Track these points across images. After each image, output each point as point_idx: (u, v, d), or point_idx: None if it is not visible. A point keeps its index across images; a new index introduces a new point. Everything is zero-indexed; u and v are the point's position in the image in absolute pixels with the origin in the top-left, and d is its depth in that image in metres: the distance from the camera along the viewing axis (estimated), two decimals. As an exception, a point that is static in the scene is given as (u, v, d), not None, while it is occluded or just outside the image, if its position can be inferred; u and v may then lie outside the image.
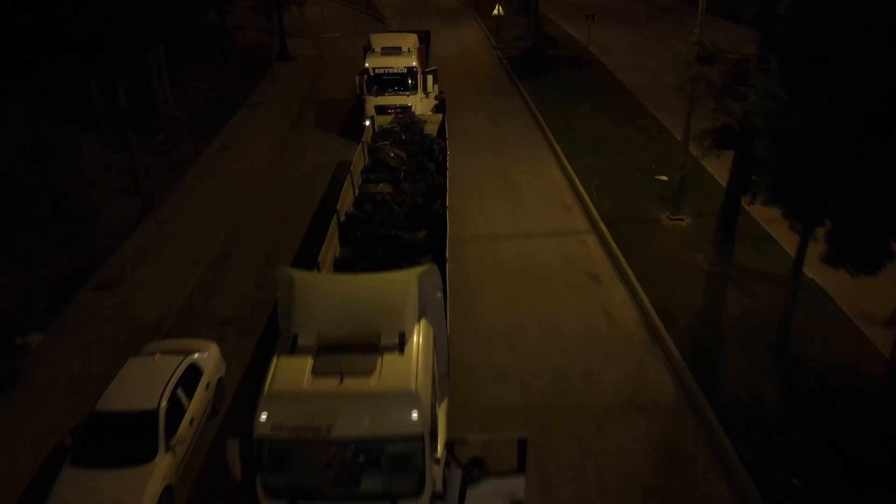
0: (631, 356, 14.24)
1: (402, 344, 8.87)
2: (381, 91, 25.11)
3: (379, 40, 26.19)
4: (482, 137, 26.66)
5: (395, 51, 25.49)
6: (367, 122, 24.55)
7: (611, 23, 43.80)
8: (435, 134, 22.54)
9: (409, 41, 26.10)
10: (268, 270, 17.57)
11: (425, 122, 22.72)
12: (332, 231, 15.17)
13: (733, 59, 14.62)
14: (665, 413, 12.86)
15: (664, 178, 22.15)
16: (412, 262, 14.46)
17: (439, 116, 22.75)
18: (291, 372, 8.62)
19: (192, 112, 29.15)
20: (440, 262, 14.52)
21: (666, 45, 39.25)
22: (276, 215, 20.59)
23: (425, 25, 45.69)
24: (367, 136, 21.36)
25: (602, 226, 19.10)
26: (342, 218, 16.10)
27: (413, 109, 25.04)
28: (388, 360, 8.70)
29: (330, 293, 9.37)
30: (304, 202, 21.28)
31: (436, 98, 25.85)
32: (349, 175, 17.79)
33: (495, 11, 41.96)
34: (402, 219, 15.76)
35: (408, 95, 25.08)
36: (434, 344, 9.70)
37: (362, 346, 8.83)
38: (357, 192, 18.26)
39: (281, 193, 22.08)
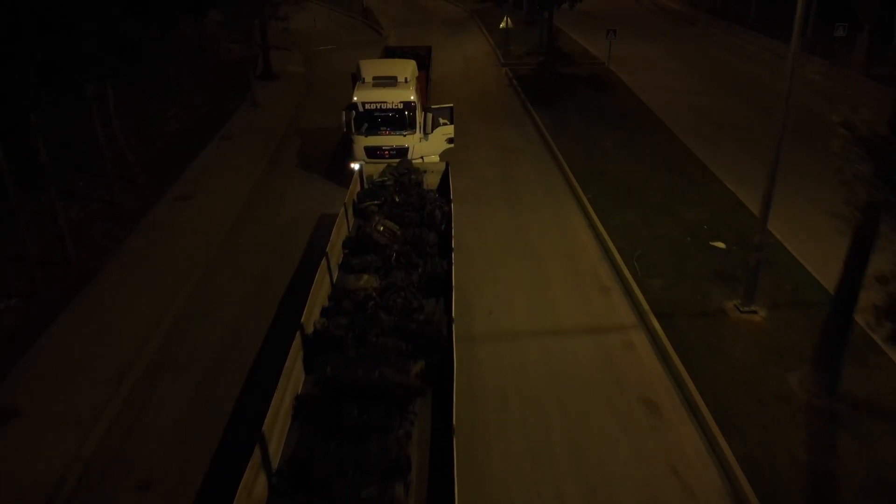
0: (721, 560, 9.71)
1: None
2: (373, 130, 20.55)
3: (370, 68, 21.60)
4: (492, 182, 22.09)
5: (390, 81, 20.90)
6: (356, 166, 20.15)
7: (629, 35, 39.20)
8: (436, 186, 18.10)
9: (407, 69, 21.52)
10: (212, 391, 13.27)
11: (425, 171, 18.21)
12: (294, 358, 10.65)
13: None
14: None
15: (721, 244, 17.58)
16: (403, 412, 10.03)
17: (442, 165, 18.21)
18: None
19: (153, 148, 24.60)
20: (443, 404, 10.09)
21: (690, 62, 34.81)
22: (234, 298, 16.03)
23: (426, 37, 41.17)
24: (352, 192, 16.85)
25: (653, 321, 14.52)
26: (309, 330, 11.59)
27: (411, 152, 20.53)
28: None
29: None
30: (273, 277, 16.75)
31: (448, 141, 21.25)
32: (325, 258, 13.26)
33: (503, 24, 37.34)
34: (392, 336, 11.22)
35: (404, 135, 20.52)
36: None
37: None
38: (335, 278, 13.80)
39: (244, 263, 17.52)
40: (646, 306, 15.00)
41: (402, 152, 20.55)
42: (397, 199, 16.11)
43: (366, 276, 12.94)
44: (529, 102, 29.62)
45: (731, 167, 22.30)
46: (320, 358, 10.78)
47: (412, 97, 20.43)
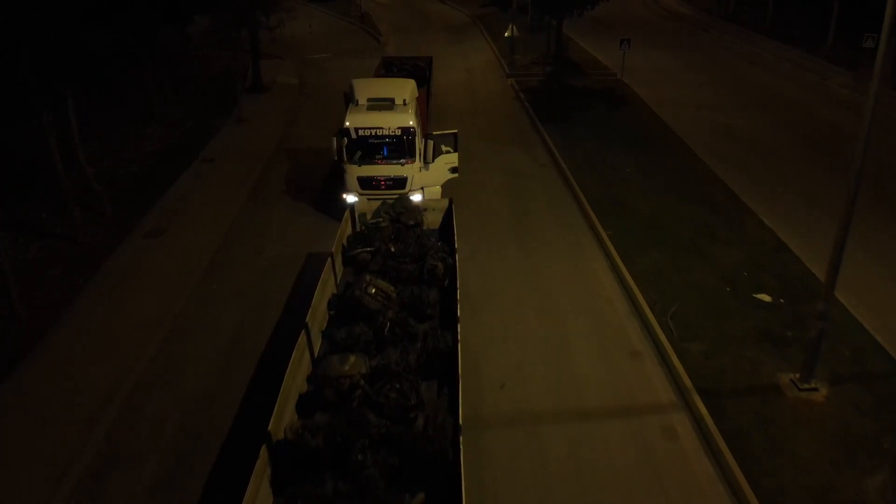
0: None
1: None
2: (367, 158, 18.15)
3: (365, 88, 19.17)
4: (500, 214, 19.73)
5: (386, 104, 18.50)
6: (349, 199, 17.97)
7: (641, 43, 36.52)
8: (438, 225, 15.80)
9: (405, 90, 19.10)
10: (168, 494, 10.45)
11: (425, 210, 15.87)
12: (258, 481, 8.29)
13: None
14: None
15: (766, 297, 15.21)
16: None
17: (445, 202, 15.86)
18: None
19: (127, 172, 22.21)
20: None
21: (708, 73, 32.21)
22: (203, 363, 13.65)
23: (426, 45, 38.83)
24: (342, 235, 14.53)
25: (696, 401, 12.14)
26: (279, 436, 9.22)
27: (409, 182, 18.18)
28: None
29: None
30: (249, 336, 14.40)
31: (452, 170, 18.87)
32: (304, 332, 10.94)
33: (508, 32, 34.98)
34: (383, 450, 8.86)
35: (402, 164, 18.12)
36: None
37: None
38: (317, 349, 11.51)
39: (218, 317, 15.14)
40: (686, 381, 12.62)
41: (399, 183, 18.22)
42: (393, 249, 13.74)
43: (352, 359, 10.53)
44: (538, 119, 27.24)
45: (765, 197, 19.94)
46: (291, 486, 8.41)
47: (411, 122, 18.03)
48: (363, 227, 15.12)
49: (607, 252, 17.31)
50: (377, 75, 25.54)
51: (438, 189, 18.83)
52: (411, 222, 14.84)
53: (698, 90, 31.25)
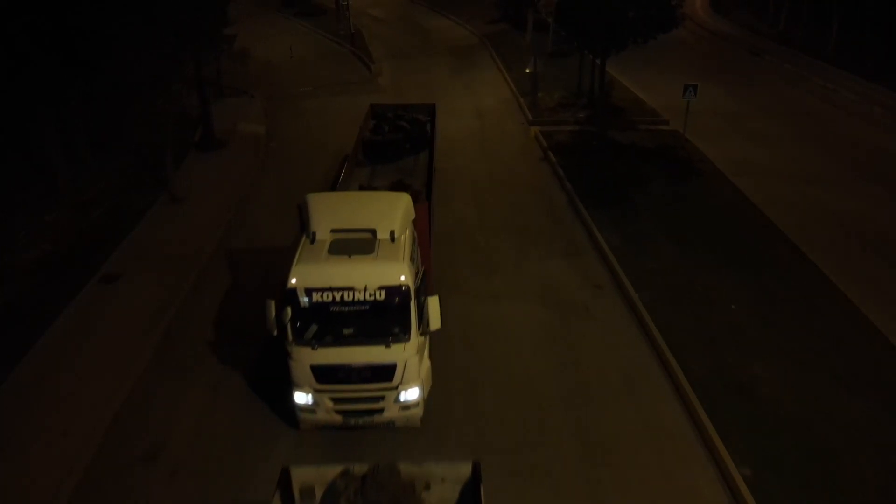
0: None
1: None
2: (328, 336, 10.24)
3: (326, 211, 11.11)
4: (548, 404, 11.78)
5: (362, 241, 10.51)
6: (296, 399, 10.50)
7: (683, 73, 28.08)
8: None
9: (394, 213, 11.06)
10: None
11: (427, 488, 8.17)
12: None
13: None
14: None
15: None
16: None
17: (465, 470, 8.08)
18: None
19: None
20: None
21: (784, 120, 22.88)
22: None
23: (427, 76, 31.00)
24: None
25: None
26: None
27: (400, 372, 10.30)
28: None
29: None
30: None
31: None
32: None
33: (529, 68, 27.01)
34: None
35: (386, 347, 10.18)
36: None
37: None
38: None
39: None
40: None
41: (383, 374, 10.38)
42: None
43: None
44: (579, 197, 19.32)
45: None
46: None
47: (403, 277, 10.09)
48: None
49: (750, 519, 9.44)
50: (361, 133, 17.96)
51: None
52: (400, 483, 7.18)
53: (780, 147, 23.31)
